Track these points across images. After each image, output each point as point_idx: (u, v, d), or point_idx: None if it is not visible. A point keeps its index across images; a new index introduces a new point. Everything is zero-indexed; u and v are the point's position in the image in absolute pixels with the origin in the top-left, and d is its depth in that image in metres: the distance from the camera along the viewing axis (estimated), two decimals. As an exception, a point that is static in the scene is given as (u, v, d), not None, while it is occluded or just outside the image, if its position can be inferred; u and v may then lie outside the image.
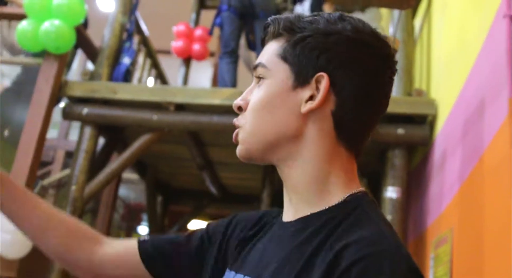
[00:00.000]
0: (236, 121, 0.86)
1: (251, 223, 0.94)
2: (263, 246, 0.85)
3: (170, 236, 1.00)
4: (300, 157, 0.82)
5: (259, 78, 0.85)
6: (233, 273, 0.86)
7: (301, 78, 0.81)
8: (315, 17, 0.83)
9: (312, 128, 0.81)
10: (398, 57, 2.93)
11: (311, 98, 0.80)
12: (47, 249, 0.99)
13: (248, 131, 0.83)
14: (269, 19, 0.87)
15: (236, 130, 0.86)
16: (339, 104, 0.80)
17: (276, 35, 0.85)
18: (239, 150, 0.85)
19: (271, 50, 0.85)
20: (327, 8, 3.84)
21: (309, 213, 0.80)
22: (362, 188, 0.83)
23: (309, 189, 0.81)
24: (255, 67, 0.86)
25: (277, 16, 0.87)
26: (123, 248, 1.00)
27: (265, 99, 0.82)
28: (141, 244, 0.98)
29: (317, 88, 0.80)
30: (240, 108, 0.86)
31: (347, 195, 0.80)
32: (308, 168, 0.81)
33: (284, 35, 0.84)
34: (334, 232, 0.75)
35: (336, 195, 0.80)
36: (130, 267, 0.98)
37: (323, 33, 0.81)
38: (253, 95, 0.85)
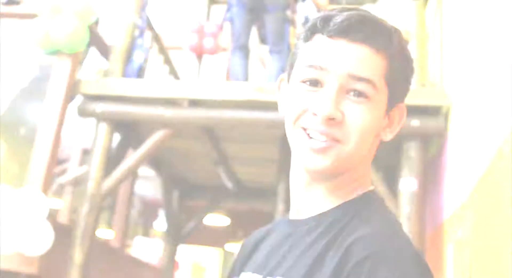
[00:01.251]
0: (331, 131, 0.78)
1: (254, 241, 0.94)
2: (270, 246, 0.86)
3: None
4: (360, 170, 0.83)
5: (358, 92, 0.78)
6: (240, 274, 0.88)
7: (390, 106, 0.82)
8: (401, 35, 0.82)
9: (373, 146, 0.84)
10: (412, 48, 2.91)
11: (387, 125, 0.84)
12: None
13: (349, 152, 0.78)
14: (359, 14, 0.78)
15: (329, 143, 0.78)
16: (392, 127, 0.85)
17: (367, 39, 0.78)
18: (328, 164, 0.78)
19: (375, 65, 0.78)
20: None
21: (325, 210, 0.81)
22: (372, 186, 0.86)
23: (346, 189, 0.82)
24: (359, 79, 0.77)
25: (368, 15, 0.79)
26: None
27: (373, 126, 0.79)
28: None
29: (390, 116, 0.83)
30: (332, 118, 0.77)
31: (362, 192, 0.82)
32: (358, 174, 0.83)
33: (380, 48, 0.79)
34: (345, 228, 0.76)
35: (355, 192, 0.82)
36: None
37: (409, 61, 0.83)
38: (356, 114, 0.78)
